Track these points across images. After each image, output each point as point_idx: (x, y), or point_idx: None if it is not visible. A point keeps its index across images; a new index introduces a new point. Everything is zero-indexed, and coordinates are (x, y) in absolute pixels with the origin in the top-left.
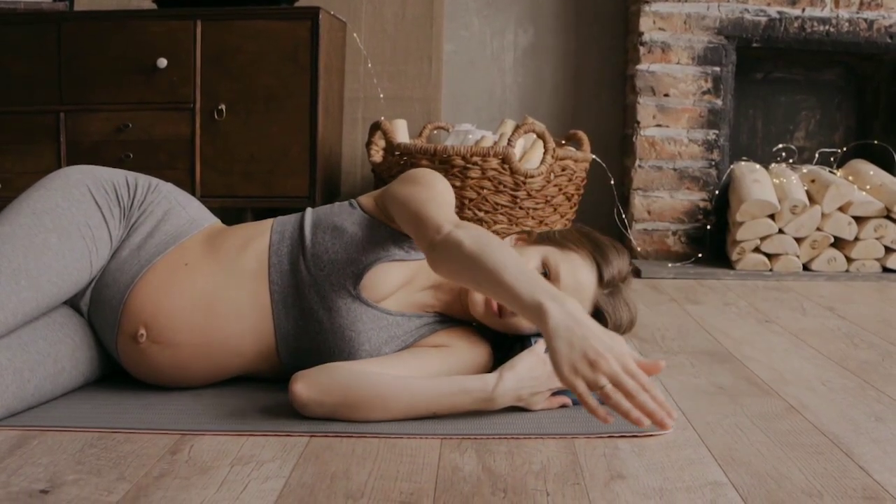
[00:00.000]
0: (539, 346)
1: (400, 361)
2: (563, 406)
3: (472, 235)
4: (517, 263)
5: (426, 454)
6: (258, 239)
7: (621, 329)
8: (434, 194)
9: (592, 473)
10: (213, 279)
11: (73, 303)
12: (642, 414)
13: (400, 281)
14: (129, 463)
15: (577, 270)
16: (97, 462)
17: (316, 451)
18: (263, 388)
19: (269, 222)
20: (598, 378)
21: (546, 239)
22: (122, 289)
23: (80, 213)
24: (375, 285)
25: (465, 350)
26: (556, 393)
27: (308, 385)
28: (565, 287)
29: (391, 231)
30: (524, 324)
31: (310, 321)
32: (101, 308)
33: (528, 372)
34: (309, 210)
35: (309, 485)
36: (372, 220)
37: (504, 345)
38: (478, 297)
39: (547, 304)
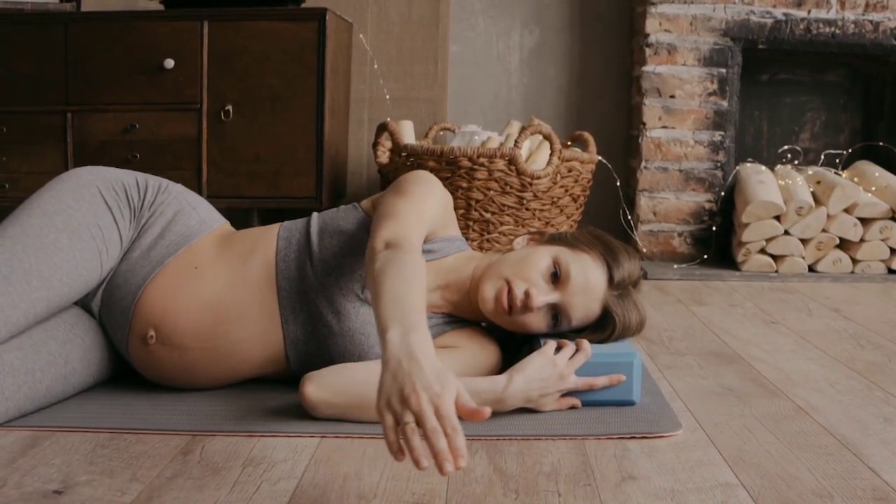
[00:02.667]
0: (548, 347)
1: None
2: (573, 407)
3: (385, 259)
4: (401, 292)
5: None
6: (265, 245)
7: (630, 331)
8: (406, 207)
9: (603, 474)
10: (221, 285)
11: (84, 303)
12: (426, 455)
13: None
14: (142, 463)
15: (588, 270)
16: (109, 463)
17: (327, 452)
18: (274, 389)
19: (275, 228)
20: (404, 414)
21: (558, 239)
22: (134, 290)
23: (91, 213)
24: None
25: (475, 351)
26: (565, 394)
27: (318, 386)
28: (575, 286)
29: None
30: (534, 323)
31: (319, 326)
32: (112, 309)
33: (538, 373)
34: (314, 215)
35: (321, 486)
36: None
37: (513, 346)
38: (488, 294)
39: (391, 333)
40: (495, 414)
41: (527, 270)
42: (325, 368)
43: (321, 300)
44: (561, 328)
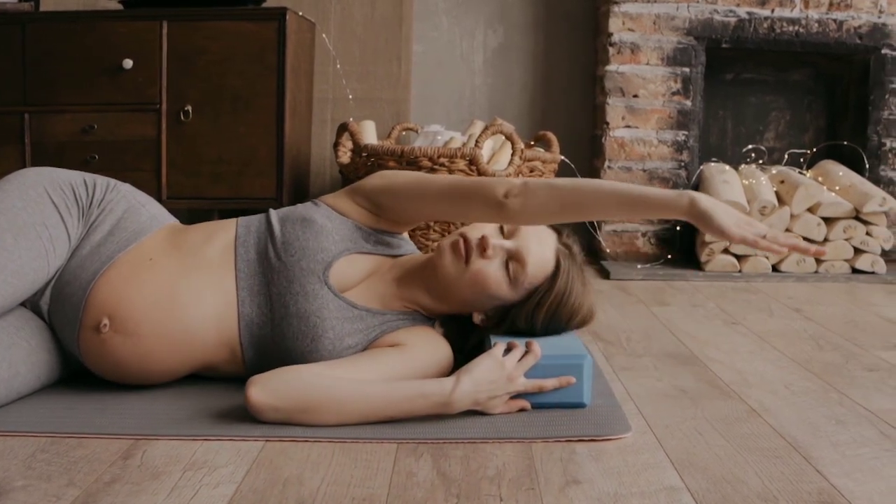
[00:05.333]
0: (497, 349)
1: (358, 365)
2: (522, 410)
3: (552, 181)
4: (623, 184)
5: (381, 459)
6: (223, 232)
7: (573, 295)
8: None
9: (548, 478)
10: (177, 271)
11: (32, 303)
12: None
13: (366, 272)
14: (80, 468)
15: (537, 226)
16: (47, 468)
17: (270, 456)
18: (220, 391)
19: (232, 220)
20: (759, 229)
21: None
22: (84, 285)
23: (37, 212)
24: (344, 274)
25: (426, 351)
26: (514, 396)
27: (263, 390)
28: (528, 232)
29: (357, 226)
30: (491, 273)
31: (275, 307)
32: (61, 305)
33: (486, 375)
34: (271, 210)
35: (260, 490)
36: (338, 216)
37: (464, 348)
38: (445, 245)
39: (688, 195)
40: (442, 417)
41: (480, 227)
42: (271, 372)
43: (281, 281)
44: (519, 281)
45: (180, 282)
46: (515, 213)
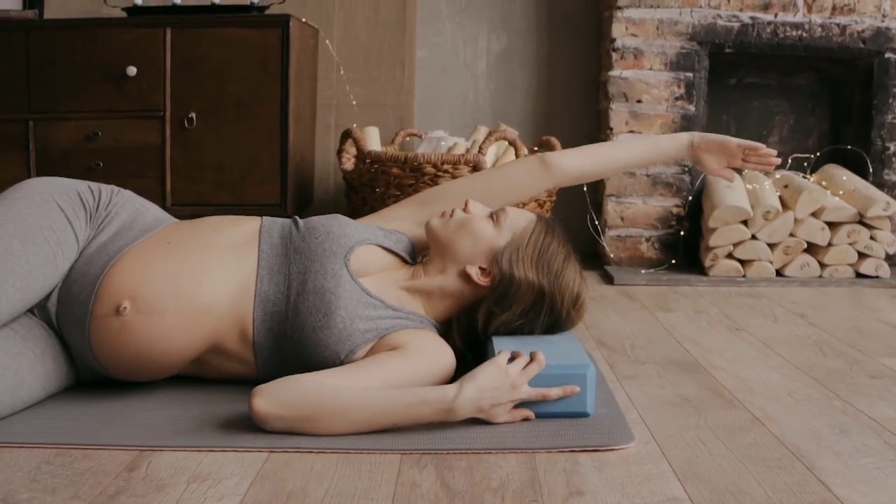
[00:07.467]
0: (501, 356)
1: (360, 372)
2: (526, 419)
3: (585, 148)
4: (634, 140)
5: (385, 470)
6: (248, 221)
7: (551, 239)
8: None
9: (551, 490)
10: (200, 248)
11: (40, 306)
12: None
13: (380, 267)
14: (85, 480)
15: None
16: (52, 480)
17: (274, 467)
18: (224, 398)
19: (256, 217)
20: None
21: None
22: (93, 280)
23: (43, 217)
24: (363, 261)
25: (428, 355)
26: (518, 405)
27: (268, 399)
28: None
29: (378, 226)
30: (475, 220)
31: (293, 284)
32: (69, 305)
33: (489, 382)
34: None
35: (264, 503)
36: (359, 221)
37: (468, 357)
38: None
39: (686, 134)
40: (445, 425)
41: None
42: (275, 381)
43: (302, 260)
44: (500, 220)
45: (205, 258)
46: (556, 165)
